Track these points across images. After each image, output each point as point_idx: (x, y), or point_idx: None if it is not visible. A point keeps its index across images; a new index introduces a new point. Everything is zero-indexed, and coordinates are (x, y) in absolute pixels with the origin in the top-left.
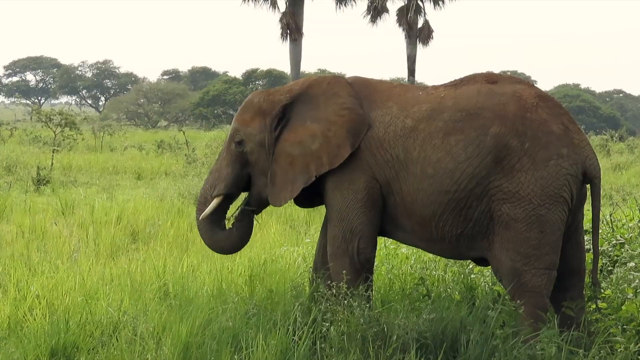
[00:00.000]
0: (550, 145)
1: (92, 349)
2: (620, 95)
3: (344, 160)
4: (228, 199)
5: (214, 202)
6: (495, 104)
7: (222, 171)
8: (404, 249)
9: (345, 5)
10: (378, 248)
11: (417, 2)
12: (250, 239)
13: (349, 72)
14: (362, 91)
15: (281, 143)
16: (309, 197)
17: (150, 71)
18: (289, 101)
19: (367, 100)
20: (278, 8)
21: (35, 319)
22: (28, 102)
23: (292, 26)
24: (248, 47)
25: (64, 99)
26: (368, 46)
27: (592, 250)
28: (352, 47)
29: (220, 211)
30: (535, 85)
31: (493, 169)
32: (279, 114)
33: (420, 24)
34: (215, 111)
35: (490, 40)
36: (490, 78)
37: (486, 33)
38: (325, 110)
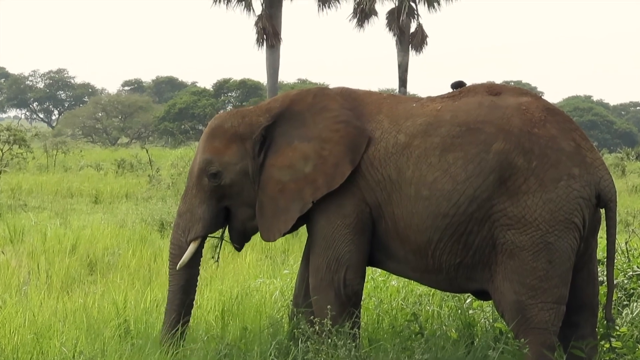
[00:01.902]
0: (560, 164)
1: None
2: (637, 108)
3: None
4: (203, 241)
5: (192, 248)
6: (498, 117)
7: (194, 211)
8: (395, 280)
9: (328, 7)
10: (366, 280)
11: (409, 3)
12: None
13: (333, 83)
14: (349, 104)
15: (267, 169)
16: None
17: (109, 81)
18: (270, 122)
19: (355, 114)
20: (253, 10)
21: None
22: None
23: (268, 31)
24: (219, 54)
25: (12, 112)
26: (354, 53)
27: (605, 283)
28: (337, 55)
29: (196, 255)
30: (542, 97)
31: (496, 191)
32: (260, 137)
33: (413, 28)
34: (183, 126)
35: (491, 47)
36: (492, 89)
37: (486, 39)
38: (315, 127)
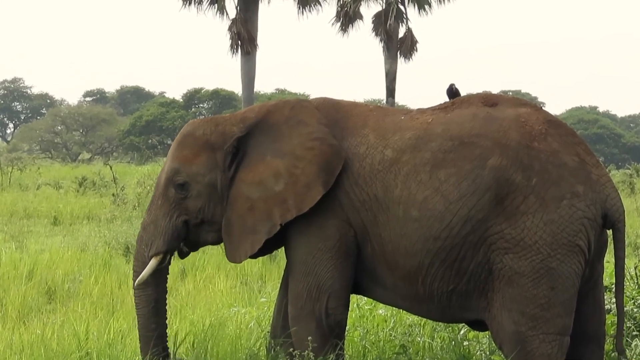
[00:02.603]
0: (562, 181)
1: None
2: None
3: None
4: (168, 255)
5: (152, 263)
6: (494, 130)
7: (158, 223)
8: (382, 309)
9: (309, 10)
10: (350, 308)
11: (397, 6)
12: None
13: (314, 93)
14: (331, 116)
15: (237, 184)
16: (264, 245)
17: (69, 92)
18: (244, 132)
19: (338, 128)
20: (227, 14)
21: None
22: None
23: (244, 36)
24: (190, 62)
25: None
26: (338, 61)
27: (612, 311)
28: (318, 62)
29: (162, 271)
30: (543, 108)
31: (492, 211)
32: (232, 148)
33: (401, 33)
34: (150, 140)
35: (487, 48)
36: (488, 100)
37: (482, 45)
38: (290, 142)
